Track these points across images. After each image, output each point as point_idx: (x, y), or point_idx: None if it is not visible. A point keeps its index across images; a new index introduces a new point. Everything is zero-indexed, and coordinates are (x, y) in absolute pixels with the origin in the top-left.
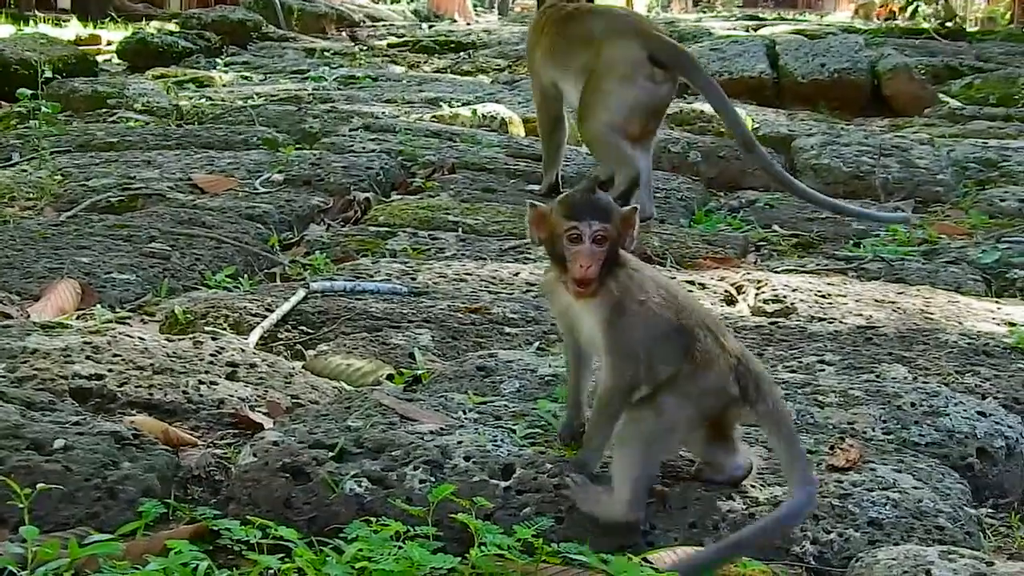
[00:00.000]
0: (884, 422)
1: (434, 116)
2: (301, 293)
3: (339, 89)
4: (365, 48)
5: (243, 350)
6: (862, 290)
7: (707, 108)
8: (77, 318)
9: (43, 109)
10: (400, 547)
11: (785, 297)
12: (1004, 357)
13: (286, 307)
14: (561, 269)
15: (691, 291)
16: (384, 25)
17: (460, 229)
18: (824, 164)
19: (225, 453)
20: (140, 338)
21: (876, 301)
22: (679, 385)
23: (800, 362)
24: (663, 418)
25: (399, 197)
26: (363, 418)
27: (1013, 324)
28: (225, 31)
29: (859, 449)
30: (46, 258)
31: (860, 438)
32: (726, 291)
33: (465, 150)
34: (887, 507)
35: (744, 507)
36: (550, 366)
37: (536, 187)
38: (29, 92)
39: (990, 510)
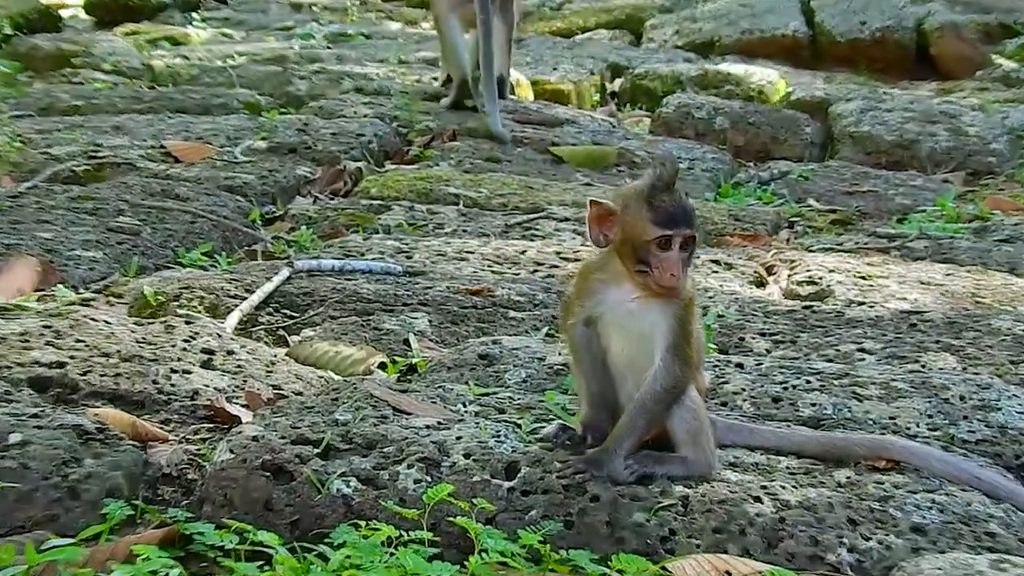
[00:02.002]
0: (930, 417)
1: (433, 78)
2: (285, 273)
3: (329, 48)
4: (358, 2)
5: (220, 335)
6: (906, 271)
7: (734, 69)
8: (37, 299)
9: (2, 68)
10: (392, 554)
11: (821, 279)
12: None
13: (268, 288)
14: (635, 268)
15: (716, 272)
16: None
17: (461, 202)
18: (864, 132)
19: (199, 449)
20: (106, 322)
21: (922, 283)
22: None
23: (837, 350)
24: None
25: (394, 167)
26: (352, 411)
27: None
28: None
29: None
30: (3, 233)
31: (903, 435)
32: (755, 272)
33: (467, 115)
34: (932, 511)
35: (773, 510)
36: (560, 354)
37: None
38: None
39: None
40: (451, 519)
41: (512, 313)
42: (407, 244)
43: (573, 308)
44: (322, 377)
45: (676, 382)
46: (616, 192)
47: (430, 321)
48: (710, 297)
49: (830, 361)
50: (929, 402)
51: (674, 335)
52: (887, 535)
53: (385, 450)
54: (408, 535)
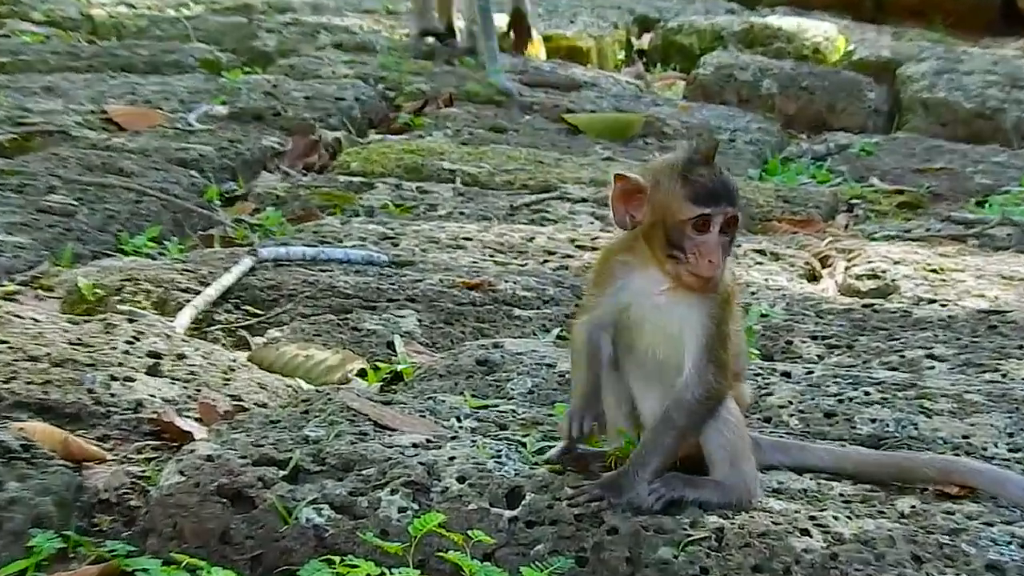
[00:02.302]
0: (1010, 436)
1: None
2: (247, 262)
3: None
4: None
5: (169, 336)
6: (985, 263)
7: (785, 23)
8: None
9: None
10: None
11: (884, 272)
12: None
13: (227, 280)
14: (665, 254)
15: (760, 263)
16: None
17: (458, 180)
18: (939, 99)
19: (143, 471)
20: (34, 319)
21: (1004, 278)
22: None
23: (902, 356)
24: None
25: (379, 137)
26: (325, 426)
27: None
28: None
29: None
30: None
31: (978, 456)
32: (807, 264)
33: (467, 76)
34: (1011, 547)
35: (824, 545)
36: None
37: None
38: None
39: None
40: (442, 554)
41: (517, 311)
42: (393, 229)
43: (587, 298)
44: (290, 386)
45: (710, 392)
46: (645, 166)
47: (419, 320)
48: (753, 293)
49: (893, 370)
50: (1010, 418)
51: (708, 336)
52: (959, 574)
53: (364, 472)
54: (391, 573)
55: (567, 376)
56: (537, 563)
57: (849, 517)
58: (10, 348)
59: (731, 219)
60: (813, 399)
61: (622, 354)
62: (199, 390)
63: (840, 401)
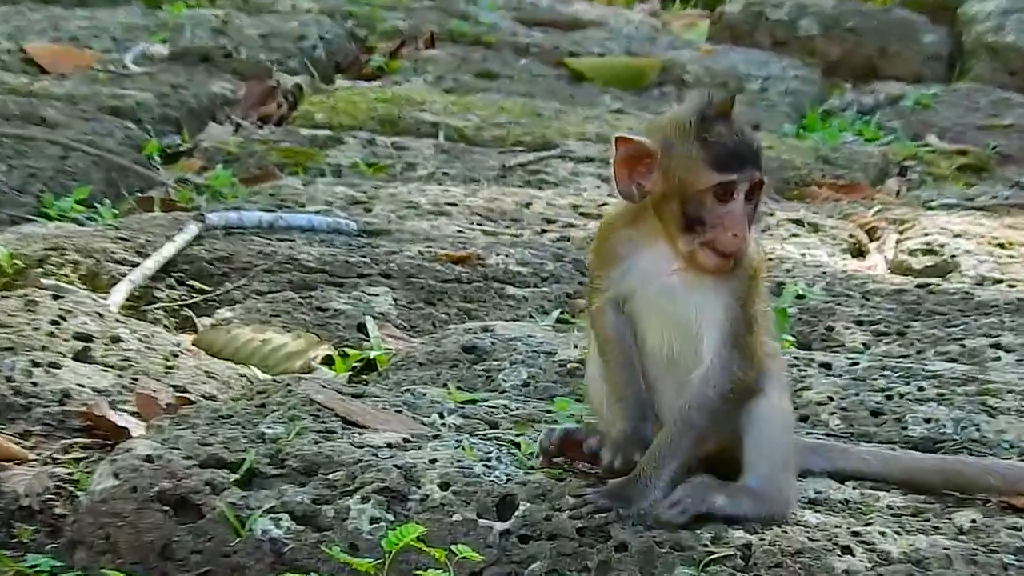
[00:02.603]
0: None
1: None
2: (193, 230)
3: None
4: None
5: (101, 315)
6: None
7: None
8: None
9: None
10: None
11: (942, 247)
12: None
13: (169, 251)
14: (681, 228)
15: (796, 236)
16: None
17: (441, 134)
18: (1008, 43)
19: (71, 473)
20: None
21: None
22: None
23: (962, 346)
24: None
25: (348, 83)
26: (285, 422)
27: None
28: None
29: None
30: None
31: None
32: (851, 236)
33: (451, 11)
34: None
35: (869, 566)
36: (576, 346)
37: None
38: None
39: None
40: (421, 573)
41: (510, 289)
42: (365, 192)
43: (594, 281)
44: (243, 375)
45: (735, 385)
46: (652, 124)
47: (395, 299)
48: (788, 270)
49: (952, 361)
50: None
51: (733, 320)
52: None
53: (331, 477)
54: None
55: (568, 366)
56: None
57: (898, 533)
58: None
59: (756, 184)
60: (857, 395)
61: (638, 345)
62: (136, 379)
63: (889, 397)
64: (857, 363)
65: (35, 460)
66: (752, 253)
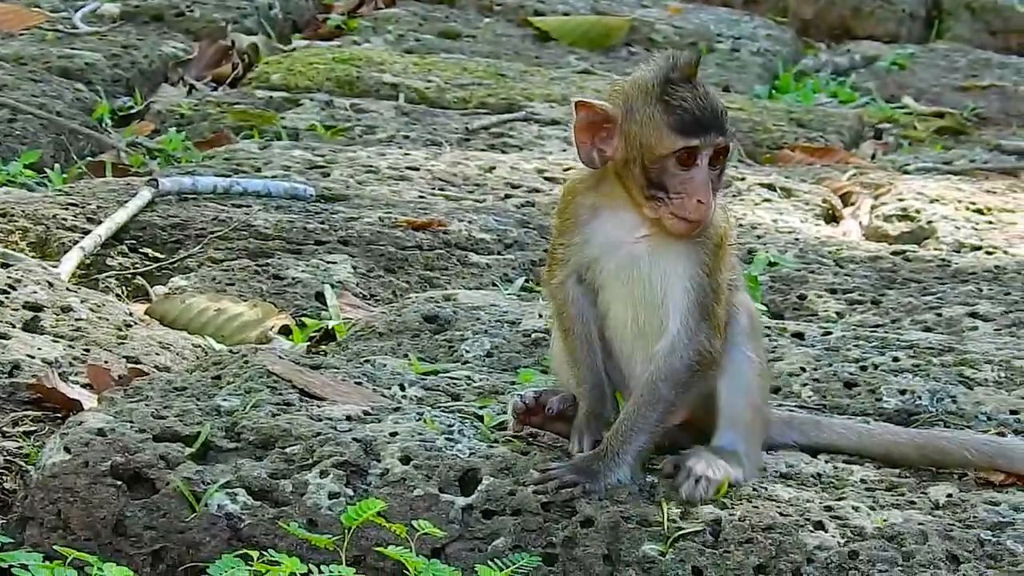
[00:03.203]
0: None
1: None
2: (145, 195)
3: None
4: None
5: (51, 284)
6: None
7: None
8: None
9: None
10: None
11: (919, 212)
12: None
13: (121, 217)
14: (645, 195)
15: (768, 201)
16: None
17: (402, 96)
18: (986, 1)
19: (20, 447)
20: None
21: None
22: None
23: (939, 315)
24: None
25: (304, 43)
26: (241, 394)
27: None
28: None
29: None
30: None
31: None
32: (825, 202)
33: None
34: None
35: (842, 541)
36: (540, 315)
37: None
38: None
39: None
40: (381, 549)
41: (473, 257)
42: (323, 156)
43: (555, 251)
44: (198, 346)
45: (702, 357)
46: (614, 88)
47: (354, 267)
48: (758, 237)
49: (928, 330)
50: None
51: (700, 289)
52: None
53: (288, 451)
54: (320, 572)
55: (533, 336)
56: (496, 560)
57: (872, 508)
58: None
59: (721, 150)
60: (831, 366)
61: (601, 316)
62: (88, 350)
63: (863, 368)
64: (830, 333)
65: None
66: (719, 220)
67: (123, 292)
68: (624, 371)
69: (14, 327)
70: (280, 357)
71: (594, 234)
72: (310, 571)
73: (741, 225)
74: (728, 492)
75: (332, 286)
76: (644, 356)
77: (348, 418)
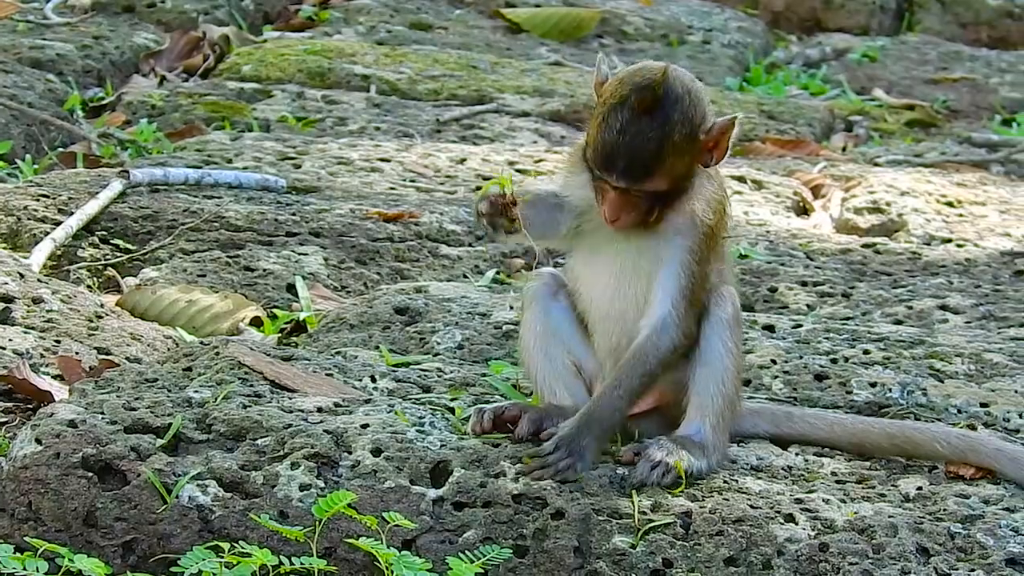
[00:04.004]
0: None
1: None
2: (116, 186)
3: None
4: None
5: (22, 276)
6: (1012, 195)
7: None
8: None
9: None
10: None
11: (890, 205)
12: None
13: (92, 208)
14: (591, 180)
15: (740, 193)
16: None
17: (373, 88)
18: None
19: None
20: None
21: None
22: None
23: (909, 307)
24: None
25: (276, 34)
26: (212, 386)
27: None
28: None
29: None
30: None
31: (999, 430)
32: (796, 194)
33: None
34: None
35: (812, 534)
36: (511, 307)
37: None
38: None
39: None
40: (352, 541)
41: (444, 249)
42: (294, 147)
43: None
44: (169, 337)
45: (685, 338)
46: (620, 71)
47: (326, 259)
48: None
49: (899, 323)
50: None
51: (688, 276)
52: (973, 570)
53: (259, 442)
54: (291, 563)
55: (504, 328)
56: (467, 552)
57: (843, 500)
58: None
59: (637, 194)
60: (801, 358)
61: (581, 287)
62: (59, 341)
63: (834, 361)
64: (801, 325)
65: None
66: (709, 212)
67: (94, 283)
68: (603, 352)
69: None
70: (251, 349)
71: (586, 199)
72: (281, 563)
73: (727, 209)
74: (691, 483)
75: (303, 277)
76: (627, 335)
77: (319, 410)
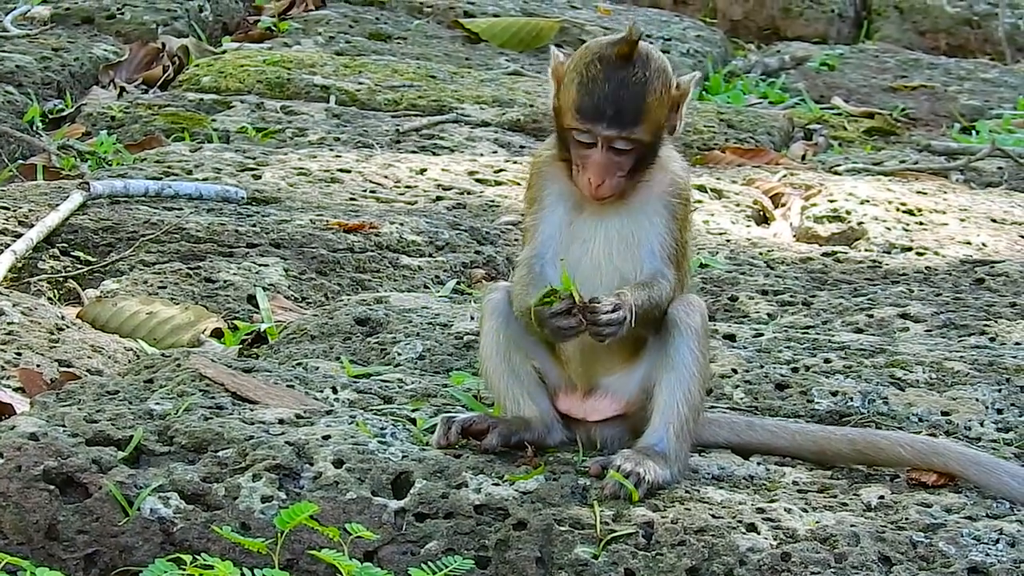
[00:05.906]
0: (999, 412)
1: None
2: (76, 198)
3: None
4: None
5: None
6: (972, 203)
7: None
8: None
9: None
10: None
11: (849, 213)
12: None
13: (52, 220)
14: (563, 159)
15: (699, 202)
16: None
17: (332, 98)
18: (915, 2)
19: None
20: None
21: (994, 221)
22: None
23: (870, 316)
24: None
25: (235, 45)
26: (173, 398)
27: None
28: None
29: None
30: None
31: (960, 437)
32: (756, 203)
33: None
34: (999, 546)
35: (775, 543)
36: (472, 318)
37: None
38: None
39: None
40: (314, 553)
41: (404, 259)
42: (254, 158)
43: (527, 222)
44: (130, 349)
45: (671, 296)
46: (585, 45)
47: (286, 270)
48: None
49: (859, 332)
50: (999, 391)
51: (672, 243)
52: None
53: (221, 454)
54: (253, 575)
55: (465, 338)
56: (429, 564)
57: (804, 510)
58: None
59: (624, 146)
60: (762, 367)
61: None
62: (20, 354)
63: (795, 370)
64: (762, 334)
65: None
66: (684, 178)
67: (55, 295)
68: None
69: None
70: (212, 360)
71: (562, 196)
72: (243, 575)
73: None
74: (653, 493)
75: (264, 289)
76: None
77: (280, 421)
